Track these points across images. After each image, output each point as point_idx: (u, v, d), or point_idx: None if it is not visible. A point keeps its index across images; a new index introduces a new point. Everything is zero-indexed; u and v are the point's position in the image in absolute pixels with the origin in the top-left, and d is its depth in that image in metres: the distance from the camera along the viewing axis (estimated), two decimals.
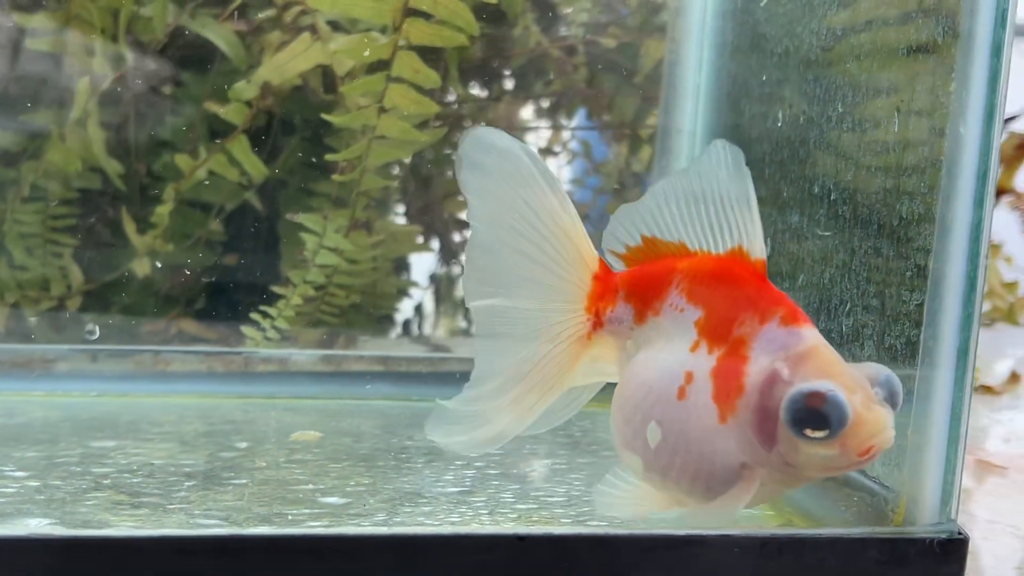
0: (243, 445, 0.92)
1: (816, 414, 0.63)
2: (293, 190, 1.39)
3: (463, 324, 1.65)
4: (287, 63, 1.19)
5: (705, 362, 0.68)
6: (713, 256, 0.69)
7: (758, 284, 0.68)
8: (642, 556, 0.66)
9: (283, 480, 0.83)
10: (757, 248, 0.68)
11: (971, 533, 0.87)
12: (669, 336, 0.69)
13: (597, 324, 0.73)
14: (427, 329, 1.65)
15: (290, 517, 0.75)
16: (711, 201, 0.68)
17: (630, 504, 0.72)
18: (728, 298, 0.68)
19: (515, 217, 0.71)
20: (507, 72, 1.50)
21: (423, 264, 1.64)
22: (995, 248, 1.99)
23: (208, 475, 0.84)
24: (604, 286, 0.72)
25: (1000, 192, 1.65)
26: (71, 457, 0.86)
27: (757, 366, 0.66)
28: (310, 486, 0.82)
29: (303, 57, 1.19)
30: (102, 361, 1.08)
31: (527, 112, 1.61)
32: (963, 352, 0.70)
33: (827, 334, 0.80)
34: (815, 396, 0.64)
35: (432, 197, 1.53)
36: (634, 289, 0.72)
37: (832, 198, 0.84)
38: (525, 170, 0.71)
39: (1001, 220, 2.19)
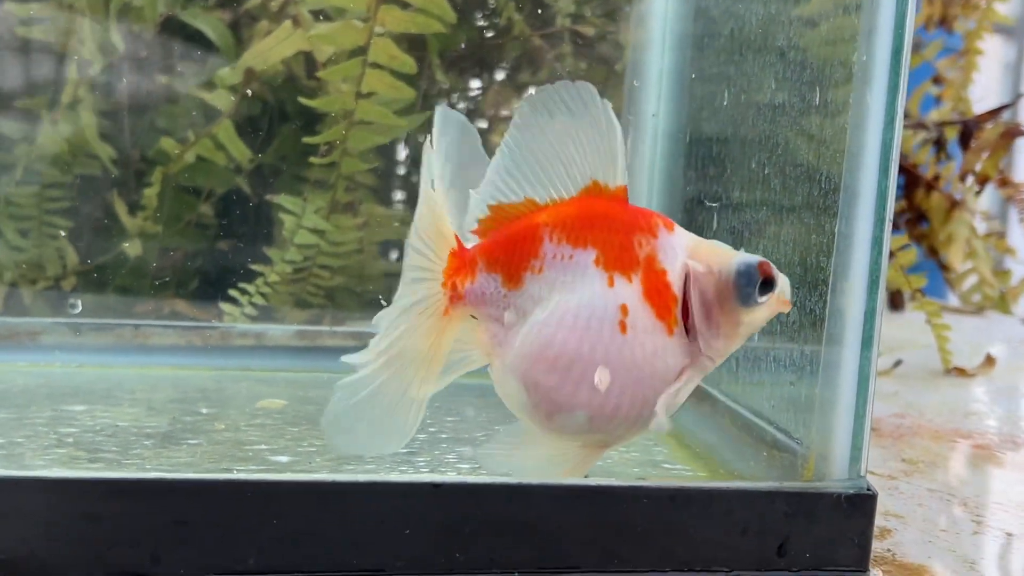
0: (207, 411, 0.96)
1: (768, 280, 0.71)
2: (288, 175, 1.43)
3: None
4: (269, 50, 1.23)
5: (631, 290, 0.70)
6: (571, 199, 0.71)
7: (625, 207, 0.71)
8: (554, 505, 0.69)
9: (238, 441, 0.87)
10: (614, 176, 0.71)
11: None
12: (568, 285, 0.71)
13: (455, 298, 0.73)
14: None
15: (236, 472, 0.79)
16: (545, 153, 0.71)
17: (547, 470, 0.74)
18: (613, 228, 0.71)
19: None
20: (494, 61, 1.54)
21: None
22: (1000, 239, 2.00)
23: (167, 436, 0.88)
24: (460, 260, 0.73)
25: (984, 180, 1.66)
26: (40, 419, 0.90)
27: (675, 273, 0.71)
28: (263, 447, 0.86)
29: (285, 44, 1.23)
30: (85, 334, 1.12)
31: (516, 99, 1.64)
32: (870, 315, 0.72)
33: None
34: (764, 265, 0.71)
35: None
36: (495, 257, 0.73)
37: (766, 172, 0.87)
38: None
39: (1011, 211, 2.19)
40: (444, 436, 0.92)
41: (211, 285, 1.31)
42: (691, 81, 1.05)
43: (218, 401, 1.00)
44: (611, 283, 0.70)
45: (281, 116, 1.41)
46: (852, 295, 0.73)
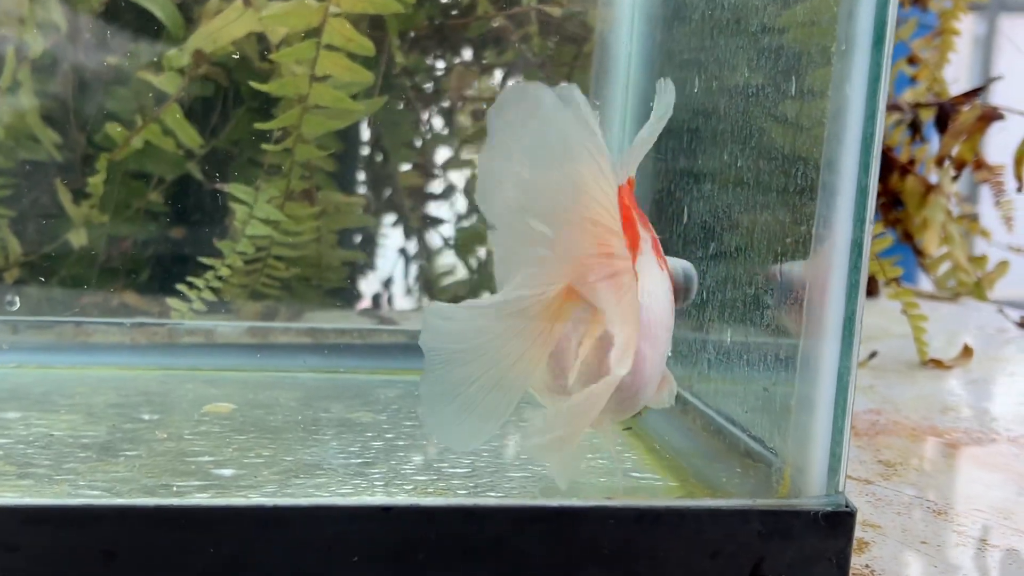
0: (150, 417, 0.91)
1: None
2: (241, 161, 1.38)
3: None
4: (219, 31, 1.18)
5: (667, 271, 0.74)
6: (624, 187, 0.70)
7: None
8: (513, 528, 0.65)
9: (180, 452, 0.82)
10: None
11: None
12: (652, 265, 0.70)
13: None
14: (401, 303, 1.64)
15: (175, 488, 0.74)
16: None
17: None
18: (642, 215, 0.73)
19: None
20: (457, 41, 1.48)
21: (394, 238, 1.63)
22: (973, 222, 1.97)
23: (105, 446, 0.82)
24: (631, 238, 0.69)
25: (961, 164, 1.62)
26: None
27: None
28: (207, 458, 0.81)
29: (235, 25, 1.17)
30: (23, 332, 1.06)
31: (487, 82, 1.60)
32: (849, 320, 0.68)
33: (732, 303, 0.79)
34: None
35: (390, 168, 1.52)
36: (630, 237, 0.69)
37: (738, 165, 0.82)
38: None
39: (982, 194, 2.16)
40: (401, 443, 0.87)
41: (160, 278, 1.26)
42: (662, 66, 1.00)
43: (162, 405, 0.95)
44: (663, 266, 0.72)
45: (233, 99, 1.36)
46: (830, 300, 0.68)
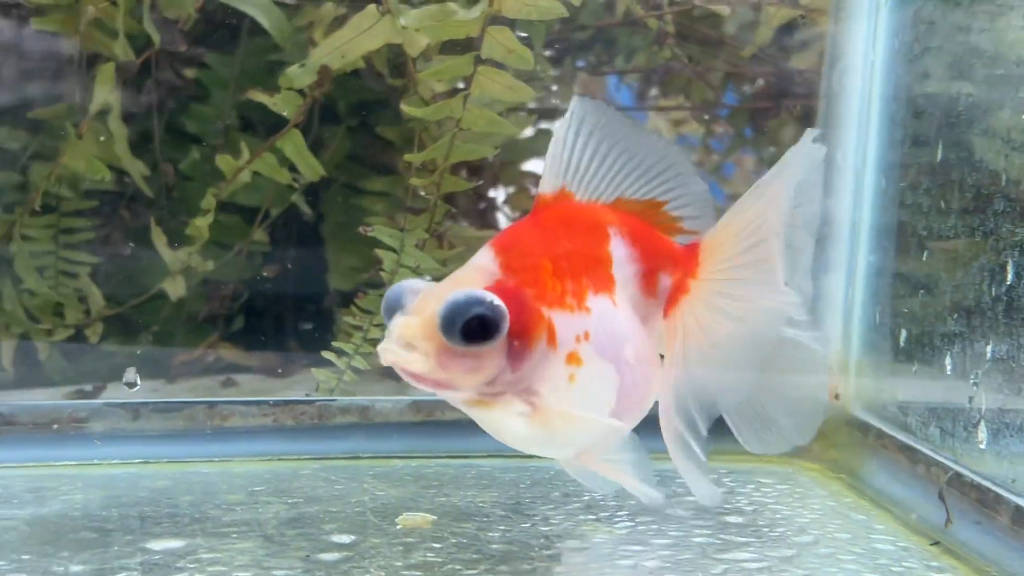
0: (344, 539, 0.72)
1: None
2: (337, 188, 1.18)
3: None
4: (350, 42, 0.98)
5: None
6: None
7: None
8: None
9: None
10: None
11: None
12: None
13: None
14: None
15: None
16: None
17: None
18: None
19: None
20: (595, 47, 1.30)
21: None
22: None
23: None
24: None
25: None
26: (130, 569, 0.65)
27: None
28: None
29: (369, 35, 0.98)
30: (145, 418, 0.86)
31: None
32: None
33: None
34: None
35: (497, 194, 1.33)
36: None
37: None
38: None
39: None
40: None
41: (281, 332, 1.07)
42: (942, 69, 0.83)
43: (347, 519, 0.76)
44: None
45: (334, 117, 1.16)
46: None
